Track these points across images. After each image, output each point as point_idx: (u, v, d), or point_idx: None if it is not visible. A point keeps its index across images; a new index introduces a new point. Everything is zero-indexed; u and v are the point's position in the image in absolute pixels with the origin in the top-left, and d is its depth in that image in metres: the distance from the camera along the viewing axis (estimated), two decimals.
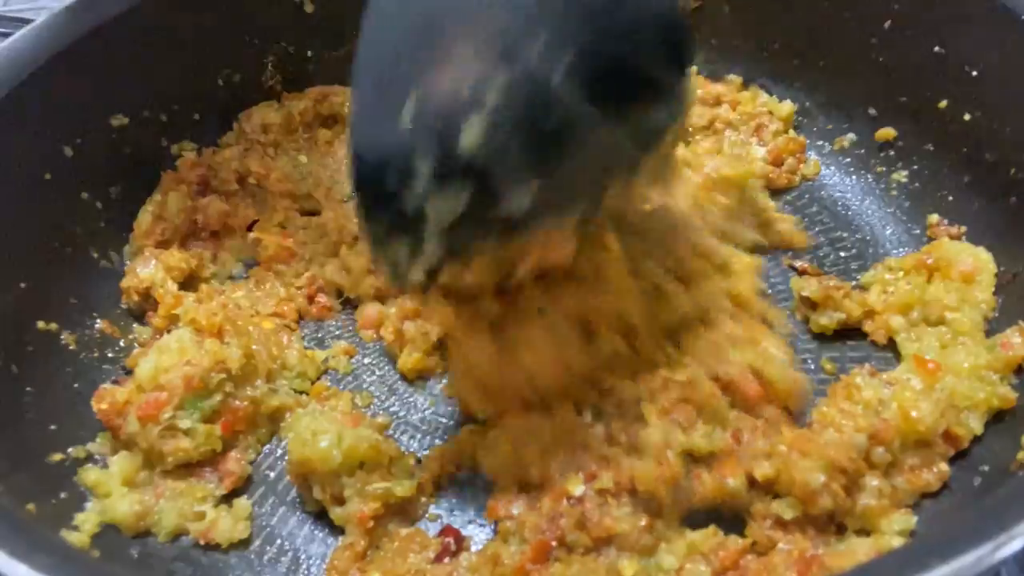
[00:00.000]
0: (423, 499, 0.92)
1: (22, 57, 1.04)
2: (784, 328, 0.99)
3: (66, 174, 1.06)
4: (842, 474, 0.82)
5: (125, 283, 1.10)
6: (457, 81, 0.70)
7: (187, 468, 0.94)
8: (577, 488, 0.83)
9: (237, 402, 0.96)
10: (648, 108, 0.78)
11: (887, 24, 1.15)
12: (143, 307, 1.10)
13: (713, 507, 0.85)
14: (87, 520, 0.88)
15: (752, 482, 0.84)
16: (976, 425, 0.88)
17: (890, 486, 0.84)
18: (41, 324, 1.01)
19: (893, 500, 0.84)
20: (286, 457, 0.94)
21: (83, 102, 1.08)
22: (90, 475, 0.92)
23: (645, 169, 0.83)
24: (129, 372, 1.02)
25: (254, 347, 1.00)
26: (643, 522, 0.82)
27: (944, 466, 0.87)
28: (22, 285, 1.00)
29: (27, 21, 1.35)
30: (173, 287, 1.07)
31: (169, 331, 1.02)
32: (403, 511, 0.91)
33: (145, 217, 1.14)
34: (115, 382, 1.01)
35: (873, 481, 0.83)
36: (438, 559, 0.86)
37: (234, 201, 1.20)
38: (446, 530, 0.89)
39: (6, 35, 1.10)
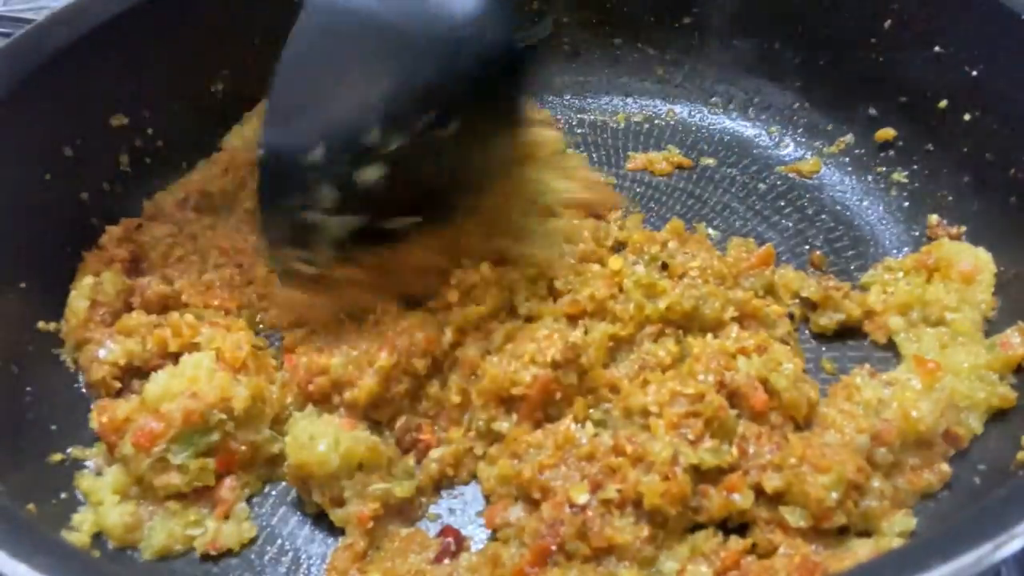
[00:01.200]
0: (423, 499, 0.92)
1: (22, 57, 1.04)
2: (784, 327, 0.99)
3: (66, 174, 1.06)
4: (854, 489, 0.82)
5: (94, 375, 0.97)
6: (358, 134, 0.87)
7: (179, 495, 0.90)
8: (581, 496, 0.81)
9: (235, 444, 0.92)
10: (495, 140, 0.96)
11: (887, 24, 1.16)
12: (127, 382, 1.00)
13: (719, 520, 0.85)
14: (86, 520, 0.88)
15: (759, 493, 0.83)
16: (976, 425, 0.89)
17: (891, 487, 0.84)
18: (41, 324, 1.01)
19: (895, 501, 0.84)
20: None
21: (83, 102, 1.08)
22: (84, 481, 0.92)
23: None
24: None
25: (272, 388, 0.96)
26: (645, 532, 0.81)
27: (945, 466, 0.87)
28: (22, 285, 1.00)
29: (27, 21, 1.36)
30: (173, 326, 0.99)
31: (189, 352, 0.96)
32: (403, 511, 0.91)
33: (79, 304, 1.01)
34: (119, 393, 0.98)
35: (875, 482, 0.83)
36: (438, 559, 0.86)
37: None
38: (446, 530, 0.89)
39: (6, 35, 1.10)
